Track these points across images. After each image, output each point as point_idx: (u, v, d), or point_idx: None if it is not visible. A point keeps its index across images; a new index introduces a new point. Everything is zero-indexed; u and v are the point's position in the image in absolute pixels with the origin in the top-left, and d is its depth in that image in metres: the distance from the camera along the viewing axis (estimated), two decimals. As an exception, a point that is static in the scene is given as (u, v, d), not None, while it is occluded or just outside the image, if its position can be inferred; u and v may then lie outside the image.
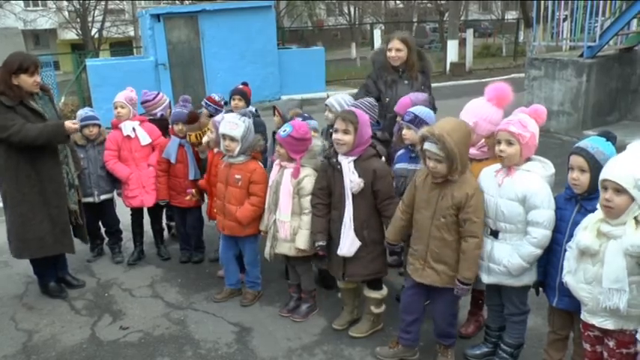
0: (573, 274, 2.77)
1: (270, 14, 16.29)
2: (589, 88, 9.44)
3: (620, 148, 2.82)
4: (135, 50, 25.85)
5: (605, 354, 2.78)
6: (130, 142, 5.18)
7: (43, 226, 4.47)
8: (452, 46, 20.53)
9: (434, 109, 4.47)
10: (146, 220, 5.52)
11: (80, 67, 16.81)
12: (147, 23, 14.94)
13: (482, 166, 3.38)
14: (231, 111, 5.14)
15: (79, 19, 30.85)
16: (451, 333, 3.56)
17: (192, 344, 4.06)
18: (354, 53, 30.28)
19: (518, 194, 3.07)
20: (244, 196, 4.25)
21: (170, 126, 5.09)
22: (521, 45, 24.28)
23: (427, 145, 3.15)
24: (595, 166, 2.75)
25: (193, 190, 4.76)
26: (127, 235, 5.68)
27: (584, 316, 2.77)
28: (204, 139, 4.76)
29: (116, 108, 5.18)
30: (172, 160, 5.00)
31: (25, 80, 4.28)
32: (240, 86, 5.59)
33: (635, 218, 2.50)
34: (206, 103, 5.55)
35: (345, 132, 3.58)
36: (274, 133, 4.59)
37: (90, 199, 5.20)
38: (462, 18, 29.60)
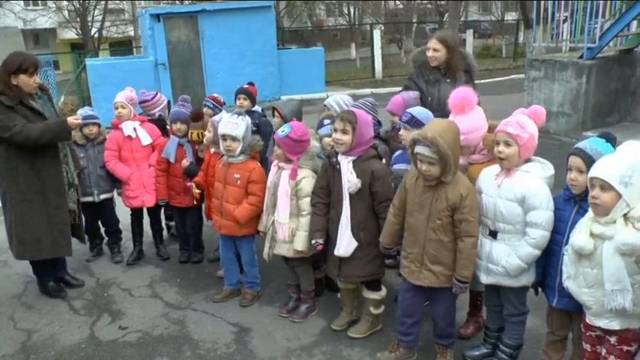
0: (574, 279, 2.77)
1: (270, 14, 16.29)
2: (589, 89, 9.44)
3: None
4: (135, 50, 25.83)
5: (604, 350, 2.78)
6: (130, 143, 5.18)
7: (41, 227, 4.46)
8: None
9: None
10: (145, 220, 5.52)
11: (80, 67, 16.80)
12: (147, 23, 14.94)
13: (483, 168, 3.38)
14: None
15: (78, 19, 30.84)
16: (450, 333, 3.57)
17: (191, 344, 4.06)
18: (354, 53, 30.29)
19: (517, 195, 3.07)
20: (242, 195, 4.25)
21: (169, 126, 5.08)
22: (521, 46, 24.29)
23: (419, 149, 3.14)
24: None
25: (193, 183, 4.74)
26: (126, 234, 5.68)
27: (589, 319, 2.78)
28: (201, 153, 4.77)
29: (117, 108, 5.18)
30: (172, 160, 5.00)
31: (25, 81, 4.28)
32: (246, 86, 5.58)
33: (625, 216, 2.51)
34: (208, 102, 5.56)
35: (344, 132, 3.58)
36: (272, 133, 4.58)
37: (89, 199, 5.20)
38: (462, 19, 29.59)
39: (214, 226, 4.57)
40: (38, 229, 4.46)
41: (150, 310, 4.58)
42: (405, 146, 3.89)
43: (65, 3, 32.59)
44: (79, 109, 5.59)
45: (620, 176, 2.49)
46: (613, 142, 2.86)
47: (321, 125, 4.39)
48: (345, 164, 3.63)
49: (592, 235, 2.61)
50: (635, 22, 9.81)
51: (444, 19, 27.51)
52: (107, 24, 32.52)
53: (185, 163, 4.93)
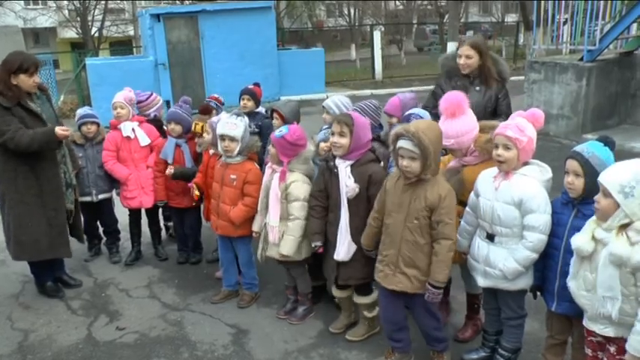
0: (575, 280, 2.78)
1: (270, 15, 16.29)
2: (589, 91, 9.43)
3: (619, 152, 2.82)
4: (135, 50, 25.83)
5: (605, 359, 2.78)
6: (129, 143, 5.16)
7: (40, 228, 4.46)
8: (452, 48, 20.50)
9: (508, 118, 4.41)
10: (144, 220, 5.50)
11: (80, 66, 16.79)
12: (147, 23, 14.93)
13: (477, 169, 3.38)
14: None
15: (79, 18, 30.83)
16: (440, 337, 3.53)
17: (188, 346, 4.05)
18: (354, 54, 30.30)
19: (514, 198, 3.07)
20: (239, 196, 4.25)
21: (165, 126, 5.07)
22: (521, 48, 24.29)
23: (401, 143, 3.13)
24: (590, 170, 2.77)
25: (194, 184, 4.73)
26: (124, 235, 5.67)
27: (586, 323, 2.78)
28: (199, 148, 4.76)
29: (115, 109, 5.16)
30: (169, 161, 4.98)
31: (24, 80, 4.27)
32: (251, 86, 5.57)
33: (623, 227, 2.50)
34: (211, 102, 5.56)
35: (341, 134, 3.56)
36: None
37: (88, 199, 5.19)
38: (462, 20, 29.62)
39: (212, 227, 4.56)
40: (36, 231, 4.45)
41: (147, 311, 4.56)
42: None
43: (65, 2, 32.60)
44: (78, 108, 5.58)
45: (621, 185, 2.48)
46: (611, 146, 2.85)
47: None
48: (343, 168, 3.61)
49: (594, 238, 2.60)
50: (635, 25, 9.82)
51: (444, 20, 27.50)
52: (107, 23, 32.50)
53: (170, 171, 4.89)
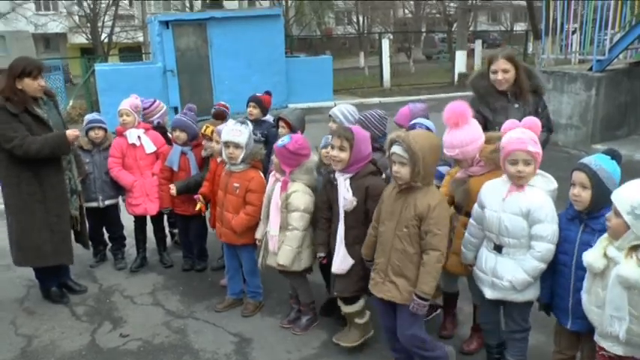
0: (587, 295, 2.75)
1: (279, 23, 16.34)
2: (598, 101, 9.38)
3: (628, 164, 2.79)
4: (144, 56, 25.96)
5: None
6: (134, 150, 5.17)
7: (42, 235, 4.46)
8: (460, 56, 20.53)
9: (550, 131, 4.31)
10: (149, 227, 5.50)
11: (88, 72, 16.89)
12: (155, 30, 15.01)
13: (483, 180, 3.35)
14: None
15: (89, 24, 31.08)
16: (429, 357, 3.38)
17: (191, 354, 4.03)
18: (363, 62, 30.35)
19: (522, 209, 3.04)
20: (241, 204, 4.25)
21: (169, 133, 5.08)
22: (530, 57, 24.23)
23: (394, 148, 3.15)
24: (597, 183, 2.74)
25: (200, 196, 4.73)
26: (129, 241, 5.66)
27: (597, 338, 2.74)
28: (205, 152, 4.76)
29: (121, 115, 5.17)
30: (175, 168, 4.99)
31: (29, 84, 4.29)
32: (260, 94, 5.55)
33: (633, 249, 2.47)
34: (219, 109, 5.56)
35: (341, 149, 3.55)
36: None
37: (94, 204, 5.21)
38: (471, 28, 29.62)
39: (216, 235, 4.55)
40: (39, 237, 4.46)
41: (151, 318, 4.55)
42: None
43: (76, 8, 32.84)
44: (86, 113, 5.59)
45: (632, 206, 2.45)
46: (618, 159, 2.82)
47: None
48: (342, 181, 3.60)
49: (606, 255, 2.57)
50: (644, 35, 9.76)
51: (453, 29, 27.50)
52: (117, 29, 32.75)
53: (173, 190, 4.90)
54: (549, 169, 3.18)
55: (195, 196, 4.75)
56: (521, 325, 3.32)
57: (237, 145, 4.14)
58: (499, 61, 4.18)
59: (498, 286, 3.20)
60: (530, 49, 24.85)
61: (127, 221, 5.55)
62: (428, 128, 3.97)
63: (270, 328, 4.31)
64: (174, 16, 17.63)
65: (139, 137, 5.14)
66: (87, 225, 5.00)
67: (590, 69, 9.54)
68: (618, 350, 2.63)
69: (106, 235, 5.63)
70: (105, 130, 5.26)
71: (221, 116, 5.13)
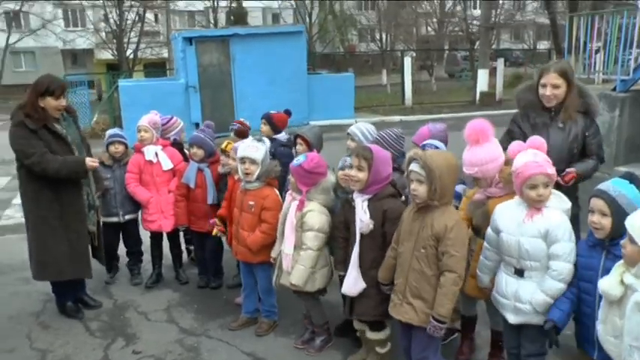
0: (603, 324, 2.67)
1: (301, 40, 16.44)
2: (622, 122, 9.21)
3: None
4: (168, 72, 26.31)
5: None
6: (151, 167, 5.19)
7: (61, 250, 4.49)
8: (482, 75, 20.42)
9: (600, 159, 3.95)
10: (165, 242, 5.50)
11: (113, 87, 17.14)
12: (179, 46, 15.20)
13: (502, 202, 3.29)
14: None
15: (115, 40, 31.65)
16: None
17: (203, 373, 4.00)
18: (385, 79, 30.37)
19: (540, 230, 2.99)
20: (257, 222, 4.23)
21: (186, 150, 5.09)
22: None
23: (411, 166, 3.15)
24: (617, 210, 2.68)
25: (217, 220, 4.73)
26: (146, 257, 5.66)
27: None
28: (222, 168, 4.78)
29: (139, 131, 5.21)
30: (192, 185, 4.99)
31: (50, 103, 4.35)
32: (272, 112, 5.53)
33: None
34: (235, 126, 5.56)
35: (359, 169, 3.50)
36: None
37: (115, 219, 5.25)
38: (494, 46, 29.52)
39: (232, 253, 4.53)
40: (57, 252, 4.49)
41: (165, 335, 4.53)
42: None
43: (103, 24, 33.49)
44: (109, 128, 5.63)
45: None
46: (637, 183, 2.75)
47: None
48: (360, 203, 3.53)
49: (623, 282, 2.49)
50: (671, 55, 9.59)
51: (475, 47, 27.41)
52: (142, 46, 33.29)
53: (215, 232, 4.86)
54: (573, 192, 3.12)
55: (211, 221, 4.77)
56: (539, 350, 3.23)
57: (252, 161, 4.13)
58: (550, 75, 3.82)
59: (522, 310, 3.13)
60: (553, 68, 24.64)
61: (144, 237, 5.57)
62: (438, 148, 3.90)
63: (283, 348, 4.26)
64: (198, 32, 17.86)
65: (156, 154, 5.16)
66: (102, 241, 5.01)
67: (614, 89, 9.39)
68: None
69: (124, 250, 5.64)
70: (125, 145, 5.31)
71: (243, 134, 5.12)
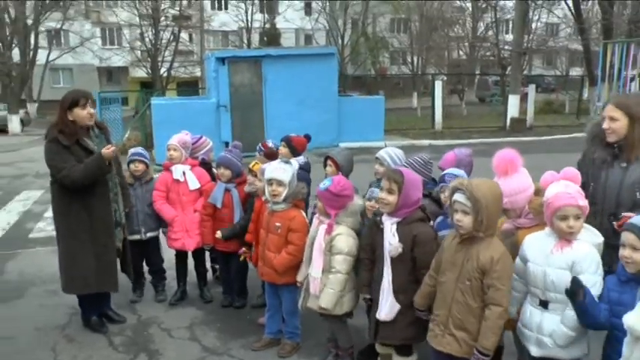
0: None
1: (333, 62, 16.53)
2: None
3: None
4: (200, 91, 26.69)
5: None
6: (178, 186, 5.23)
7: (88, 263, 4.55)
8: (513, 100, 20.20)
9: None
10: (191, 260, 5.53)
11: (145, 105, 17.44)
12: (212, 66, 15.39)
13: (530, 233, 3.23)
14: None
15: (149, 59, 32.31)
16: None
17: (224, 393, 3.98)
18: (415, 103, 30.34)
19: (567, 262, 2.94)
20: (283, 244, 4.23)
21: (214, 170, 5.13)
22: (585, 102, 23.73)
23: (456, 196, 3.09)
24: None
25: (244, 248, 4.78)
26: (171, 274, 5.68)
27: None
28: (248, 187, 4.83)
29: (169, 150, 5.27)
30: (218, 205, 5.02)
31: (79, 113, 4.45)
32: (294, 135, 5.56)
33: None
34: (260, 149, 5.58)
35: (390, 191, 3.49)
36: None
37: (137, 237, 5.28)
38: (525, 72, 29.33)
39: (258, 273, 4.53)
40: (85, 265, 4.55)
41: (187, 353, 4.53)
42: (447, 211, 3.78)
43: (139, 43, 34.25)
44: (141, 145, 5.69)
45: None
46: None
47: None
48: (389, 226, 3.52)
49: None
50: None
51: (507, 72, 27.27)
52: (176, 64, 33.88)
53: (219, 234, 4.95)
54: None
55: (241, 251, 4.83)
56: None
57: (280, 183, 4.15)
58: (608, 107, 3.55)
59: (544, 343, 3.06)
60: (585, 95, 24.36)
61: (169, 254, 5.59)
62: (457, 177, 3.85)
63: (305, 371, 4.23)
64: (231, 52, 18.11)
65: (183, 173, 5.20)
66: (129, 256, 5.06)
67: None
68: None
69: (146, 269, 5.67)
70: (146, 164, 5.34)
71: (272, 156, 5.14)
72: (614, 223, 3.14)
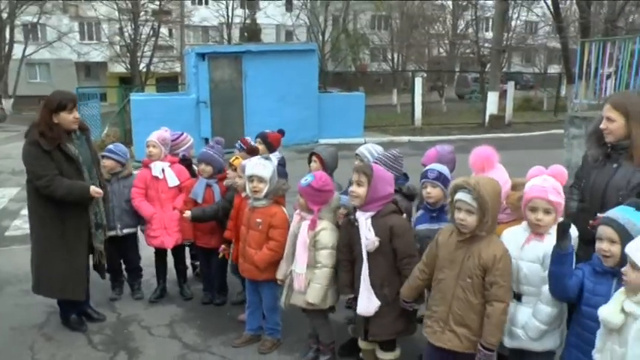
0: (601, 354, 2.64)
1: (313, 58, 16.51)
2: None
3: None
4: (180, 87, 26.49)
5: None
6: (157, 183, 5.20)
7: (58, 268, 4.51)
8: (492, 97, 20.37)
9: None
10: (170, 257, 5.50)
11: (124, 101, 17.28)
12: (192, 61, 15.28)
13: (508, 227, 3.29)
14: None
15: (128, 54, 31.98)
16: None
17: (205, 390, 3.97)
18: (395, 99, 30.45)
19: (539, 255, 3.00)
20: (264, 240, 4.23)
21: (195, 166, 5.10)
22: (563, 100, 24.02)
23: (459, 195, 3.07)
24: (626, 237, 2.66)
25: (224, 246, 4.78)
26: (150, 271, 5.64)
27: None
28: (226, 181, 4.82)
29: (148, 147, 5.23)
30: (199, 201, 5.00)
31: (65, 117, 4.40)
32: (268, 131, 5.56)
33: None
34: (240, 146, 5.56)
35: (359, 184, 3.52)
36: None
37: (112, 233, 5.18)
38: (504, 69, 29.58)
39: (239, 269, 4.52)
40: (54, 270, 4.52)
41: (167, 351, 4.51)
42: (426, 206, 3.81)
43: (118, 38, 33.89)
44: (119, 141, 5.61)
45: None
46: None
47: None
48: (364, 221, 3.55)
49: (623, 310, 2.46)
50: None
51: (486, 69, 27.49)
52: (155, 60, 33.57)
53: (187, 214, 4.86)
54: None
55: (220, 249, 4.82)
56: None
57: (261, 179, 4.15)
58: (605, 107, 3.42)
59: (516, 335, 3.13)
60: (563, 92, 24.66)
61: (148, 252, 5.56)
62: (441, 173, 3.89)
63: (286, 367, 4.24)
64: (211, 48, 17.99)
65: (162, 170, 5.17)
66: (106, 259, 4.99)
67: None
68: None
69: (123, 267, 5.61)
70: (115, 160, 5.22)
71: (254, 152, 5.13)
72: (590, 221, 3.06)
